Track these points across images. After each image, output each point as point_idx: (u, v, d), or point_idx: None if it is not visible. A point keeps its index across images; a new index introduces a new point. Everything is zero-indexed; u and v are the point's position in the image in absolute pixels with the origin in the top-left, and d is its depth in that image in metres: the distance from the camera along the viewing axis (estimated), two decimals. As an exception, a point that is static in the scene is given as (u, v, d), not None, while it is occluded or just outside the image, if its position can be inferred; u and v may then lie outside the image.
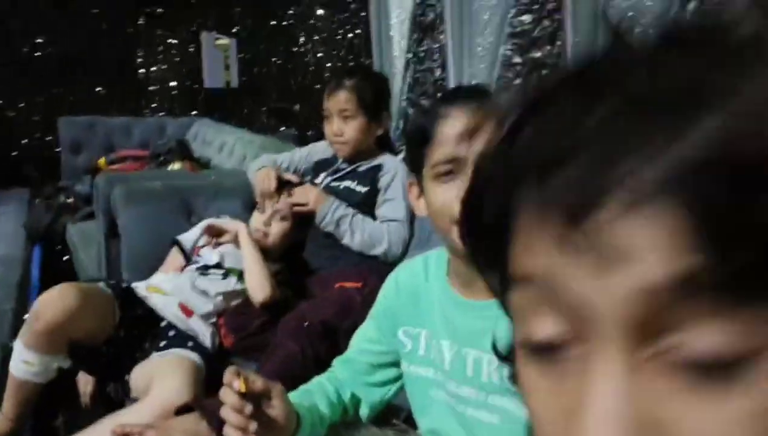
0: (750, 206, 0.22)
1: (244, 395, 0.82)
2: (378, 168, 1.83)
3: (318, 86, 4.31)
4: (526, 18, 1.80)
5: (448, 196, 0.86)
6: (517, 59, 1.80)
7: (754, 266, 0.22)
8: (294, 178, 1.91)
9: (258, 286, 1.60)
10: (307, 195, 1.80)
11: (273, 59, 4.88)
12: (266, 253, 1.74)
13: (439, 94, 2.15)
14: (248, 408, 0.82)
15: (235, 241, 1.72)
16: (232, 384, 0.82)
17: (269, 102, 4.88)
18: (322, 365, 1.27)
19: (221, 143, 3.24)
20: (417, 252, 1.72)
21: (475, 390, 0.92)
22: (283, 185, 1.86)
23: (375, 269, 1.71)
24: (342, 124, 1.79)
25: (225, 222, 1.72)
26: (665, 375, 0.24)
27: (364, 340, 1.10)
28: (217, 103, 4.79)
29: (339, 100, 1.78)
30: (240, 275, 1.70)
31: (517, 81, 1.79)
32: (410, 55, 2.26)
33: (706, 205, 0.23)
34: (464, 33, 2.00)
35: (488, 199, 0.31)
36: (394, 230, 1.75)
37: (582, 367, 0.26)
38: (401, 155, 1.87)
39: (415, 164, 0.94)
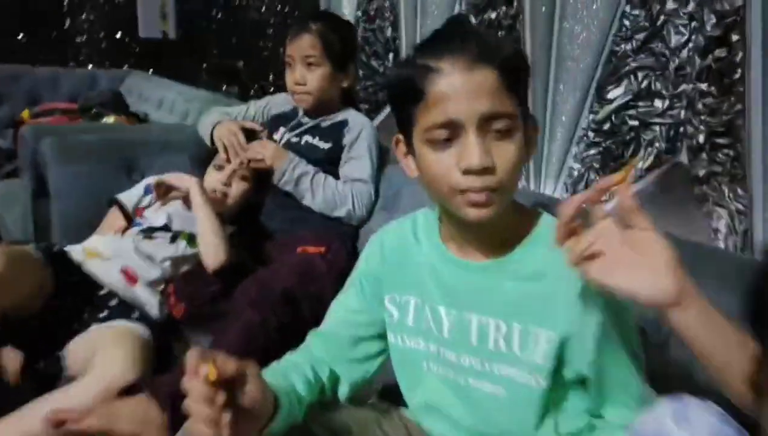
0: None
1: (214, 383, 0.67)
2: (342, 124, 1.70)
3: (261, 43, 4.09)
4: (483, -24, 1.71)
5: (445, 165, 0.76)
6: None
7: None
8: (259, 128, 1.75)
9: (212, 250, 1.45)
10: (264, 149, 1.65)
11: (214, 13, 4.60)
12: (220, 214, 1.58)
13: (398, 56, 2.01)
14: (220, 398, 0.67)
15: (185, 200, 1.54)
16: (199, 371, 0.66)
17: (210, 58, 4.60)
18: (285, 336, 1.20)
19: (160, 98, 3.01)
20: (383, 214, 1.67)
21: (478, 359, 0.84)
22: (249, 140, 1.70)
23: (338, 233, 1.62)
24: (305, 72, 1.64)
25: (174, 178, 1.54)
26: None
27: (344, 310, 0.99)
28: (153, 57, 4.47)
29: (303, 46, 1.63)
30: (190, 239, 1.54)
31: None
32: (360, 13, 2.16)
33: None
34: None
35: None
36: (359, 190, 1.63)
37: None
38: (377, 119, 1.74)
39: (403, 122, 0.82)
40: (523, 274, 0.82)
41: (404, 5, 1.94)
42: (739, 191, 1.15)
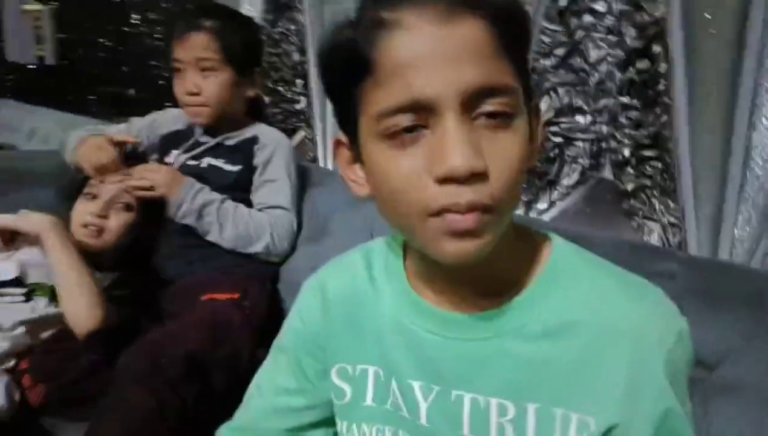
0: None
1: None
2: (252, 141, 1.43)
3: (155, 71, 3.77)
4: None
5: (409, 171, 0.50)
6: None
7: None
8: (133, 140, 1.45)
9: (81, 309, 1.12)
10: (154, 174, 1.33)
11: (101, 40, 4.23)
12: (95, 258, 1.25)
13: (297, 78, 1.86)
14: None
15: (40, 245, 1.19)
16: None
17: (98, 86, 4.19)
18: (190, 422, 0.99)
19: (31, 128, 2.66)
20: (309, 246, 1.39)
21: None
22: (127, 159, 1.39)
23: (254, 273, 1.34)
24: (199, 79, 1.36)
25: (19, 219, 1.19)
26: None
27: (271, 391, 0.69)
28: (30, 86, 4.00)
29: (195, 47, 1.35)
30: (53, 294, 1.19)
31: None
32: (264, 38, 1.95)
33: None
34: (325, 12, 1.79)
35: None
36: (279, 219, 1.36)
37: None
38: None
39: (344, 113, 0.56)
40: (536, 329, 0.55)
41: (311, 28, 1.82)
42: (670, 204, 1.11)
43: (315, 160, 1.81)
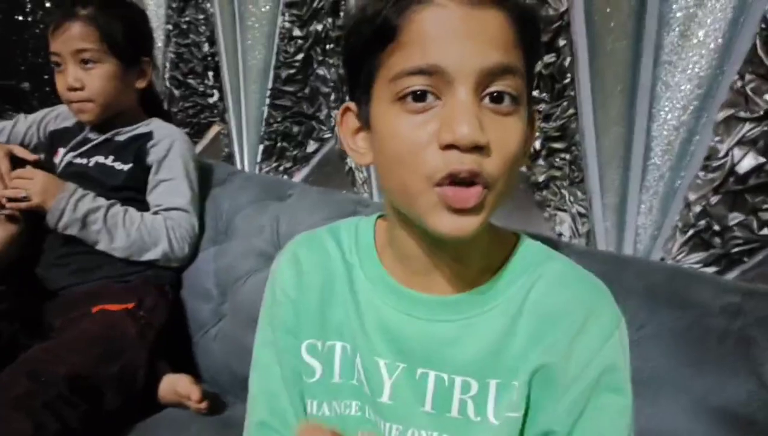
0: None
1: None
2: (145, 137, 1.31)
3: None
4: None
5: (417, 136, 0.52)
6: (298, 32, 1.56)
7: None
8: (32, 157, 1.32)
9: None
10: (27, 183, 1.20)
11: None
12: None
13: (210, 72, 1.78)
14: None
15: None
16: None
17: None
18: None
19: None
20: (213, 248, 1.31)
21: (436, 433, 0.60)
22: (17, 166, 1.26)
23: (153, 280, 1.25)
24: (80, 73, 1.24)
25: None
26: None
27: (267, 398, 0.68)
28: None
29: (72, 37, 1.23)
30: None
31: (299, 55, 1.56)
32: (171, 27, 1.91)
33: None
34: (235, 0, 1.72)
35: None
36: (176, 222, 1.26)
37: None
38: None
39: (359, 79, 0.57)
40: (501, 312, 0.59)
41: (221, 18, 1.74)
42: (579, 194, 1.14)
43: (231, 155, 1.73)
